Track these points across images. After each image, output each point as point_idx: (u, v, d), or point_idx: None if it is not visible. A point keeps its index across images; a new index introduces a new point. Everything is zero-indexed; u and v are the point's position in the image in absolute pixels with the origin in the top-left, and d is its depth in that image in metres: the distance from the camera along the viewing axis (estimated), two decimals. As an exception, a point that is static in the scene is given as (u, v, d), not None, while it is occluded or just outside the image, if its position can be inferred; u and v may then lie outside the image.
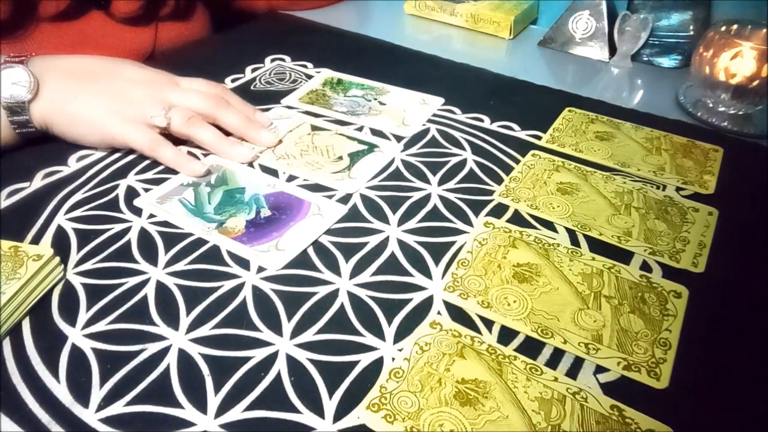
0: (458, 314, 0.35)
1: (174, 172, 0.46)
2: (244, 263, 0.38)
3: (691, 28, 0.64)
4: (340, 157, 0.48)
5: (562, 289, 0.36)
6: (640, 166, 0.47)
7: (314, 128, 0.52)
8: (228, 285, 0.36)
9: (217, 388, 0.30)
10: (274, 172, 0.46)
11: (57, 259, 0.36)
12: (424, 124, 0.53)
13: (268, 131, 0.49)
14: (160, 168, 0.46)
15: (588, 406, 0.29)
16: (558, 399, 0.30)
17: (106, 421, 0.29)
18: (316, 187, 0.45)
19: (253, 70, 0.62)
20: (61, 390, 0.30)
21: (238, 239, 0.40)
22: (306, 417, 0.29)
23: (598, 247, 0.39)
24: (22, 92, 0.43)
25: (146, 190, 0.44)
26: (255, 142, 0.49)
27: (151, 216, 0.41)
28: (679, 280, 0.37)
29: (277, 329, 0.33)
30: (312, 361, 0.32)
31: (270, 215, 0.42)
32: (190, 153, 0.48)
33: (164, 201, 0.43)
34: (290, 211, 0.42)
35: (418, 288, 0.36)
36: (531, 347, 0.33)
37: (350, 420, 0.29)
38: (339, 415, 0.29)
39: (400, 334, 0.33)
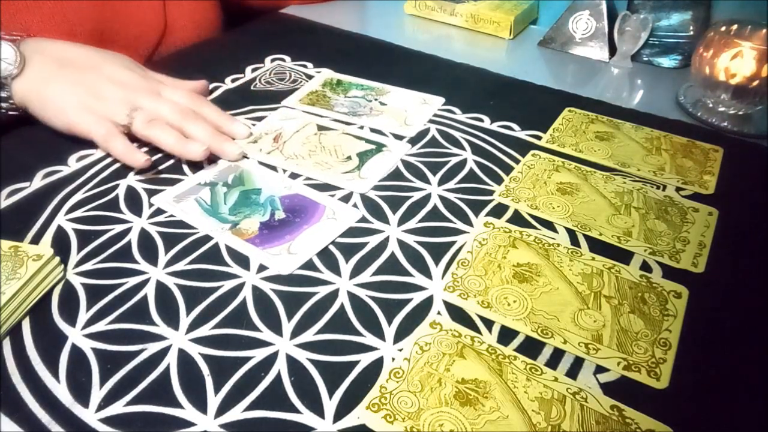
0: (458, 314, 0.35)
1: (177, 172, 0.46)
2: (244, 263, 0.38)
3: (691, 28, 0.64)
4: (349, 157, 0.48)
5: (562, 289, 0.36)
6: (640, 166, 0.47)
7: (321, 128, 0.52)
8: (228, 285, 0.36)
9: (217, 388, 0.30)
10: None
11: (57, 259, 0.36)
12: (425, 124, 0.53)
13: (232, 144, 0.48)
14: (160, 168, 0.46)
15: (588, 406, 0.29)
16: (558, 399, 0.30)
17: (106, 421, 0.29)
18: (329, 189, 0.45)
19: (253, 70, 0.62)
20: (61, 390, 0.30)
21: (251, 241, 0.39)
22: (306, 417, 0.29)
23: (598, 247, 0.39)
24: (8, 68, 0.46)
25: (146, 190, 0.44)
26: (218, 154, 0.47)
27: (151, 216, 0.41)
28: (679, 280, 0.37)
29: (277, 329, 0.33)
30: (312, 361, 0.32)
31: (284, 218, 0.41)
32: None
33: (180, 200, 0.43)
34: (304, 214, 0.42)
35: (418, 288, 0.36)
36: (531, 347, 0.33)
37: (350, 420, 0.29)
38: (339, 415, 0.29)
39: (400, 334, 0.33)
